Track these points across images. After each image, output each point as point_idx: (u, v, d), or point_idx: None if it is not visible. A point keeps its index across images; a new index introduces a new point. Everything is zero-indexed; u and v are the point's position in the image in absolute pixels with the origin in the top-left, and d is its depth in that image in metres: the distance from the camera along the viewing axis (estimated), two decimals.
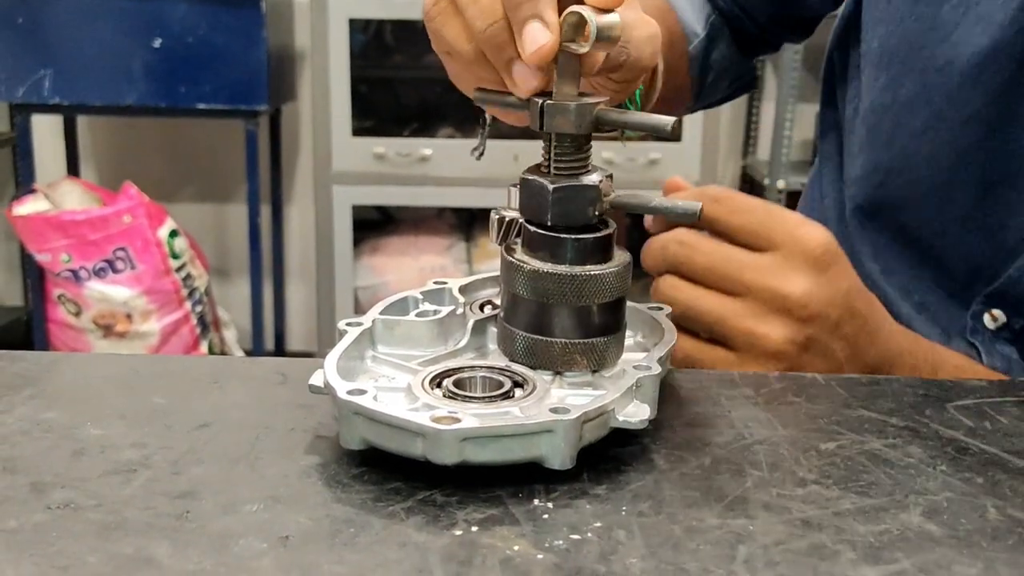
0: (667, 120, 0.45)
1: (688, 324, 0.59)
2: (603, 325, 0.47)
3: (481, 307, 0.54)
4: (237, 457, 0.43)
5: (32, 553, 0.35)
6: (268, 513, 0.38)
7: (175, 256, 2.53)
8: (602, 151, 1.95)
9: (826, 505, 0.40)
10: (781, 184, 2.69)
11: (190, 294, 2.58)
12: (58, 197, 2.50)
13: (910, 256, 0.75)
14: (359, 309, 2.64)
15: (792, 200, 2.56)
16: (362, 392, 0.42)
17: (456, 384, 0.46)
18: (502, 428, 0.40)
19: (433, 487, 0.41)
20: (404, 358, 0.48)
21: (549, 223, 0.46)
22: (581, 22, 0.44)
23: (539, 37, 0.44)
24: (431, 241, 2.78)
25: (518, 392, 0.45)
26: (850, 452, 0.46)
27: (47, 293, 2.54)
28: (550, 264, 0.46)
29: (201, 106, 2.41)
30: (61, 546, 0.36)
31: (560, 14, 0.45)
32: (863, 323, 0.60)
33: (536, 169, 0.48)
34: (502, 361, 0.48)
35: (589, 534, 0.38)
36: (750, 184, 3.02)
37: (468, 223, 2.85)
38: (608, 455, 0.44)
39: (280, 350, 3.02)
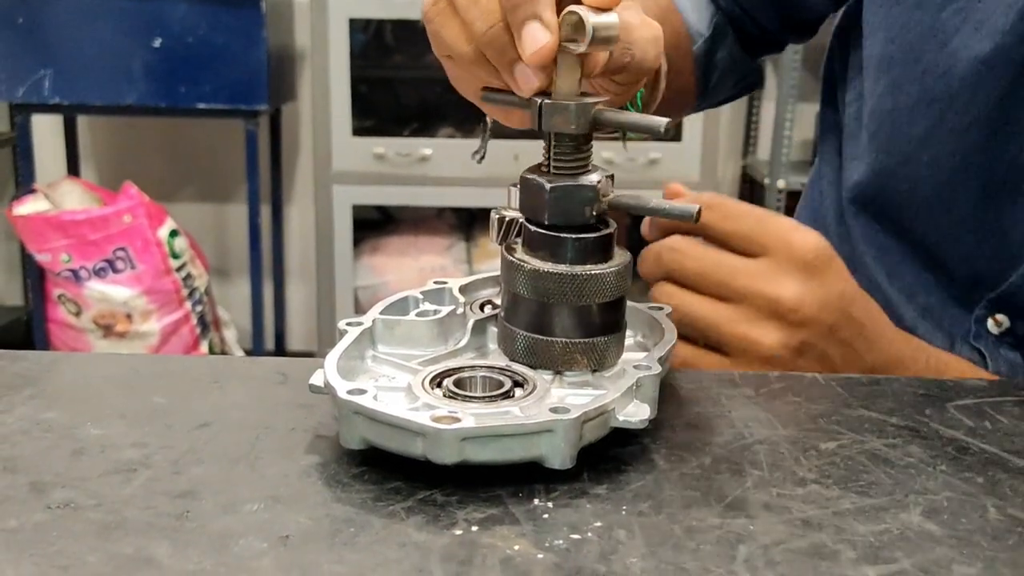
0: (661, 121, 0.45)
1: (683, 330, 0.59)
2: (603, 324, 0.47)
3: (481, 307, 0.54)
4: (237, 457, 0.43)
5: (32, 553, 0.35)
6: (268, 513, 0.38)
7: (175, 256, 2.53)
8: (602, 151, 1.94)
9: (826, 505, 0.40)
10: (781, 184, 2.68)
11: (190, 294, 2.58)
12: (58, 197, 2.50)
13: (913, 259, 0.75)
14: (359, 309, 2.64)
15: (792, 200, 2.57)
16: (362, 392, 0.42)
17: (456, 384, 0.46)
18: (502, 428, 0.40)
19: (433, 487, 0.41)
20: (404, 358, 0.48)
21: (546, 222, 0.46)
22: (580, 22, 0.44)
23: (539, 37, 0.44)
24: (431, 241, 2.78)
25: (518, 392, 0.45)
26: (850, 452, 0.46)
27: (47, 293, 2.54)
28: (550, 264, 0.46)
29: (201, 106, 2.41)
30: (61, 546, 0.36)
31: (560, 14, 0.45)
32: (860, 328, 0.60)
33: (536, 168, 0.48)
34: (502, 361, 0.48)
35: (589, 534, 0.38)
36: (750, 184, 3.02)
37: (468, 223, 2.85)
38: (608, 455, 0.44)
39: (280, 350, 3.02)
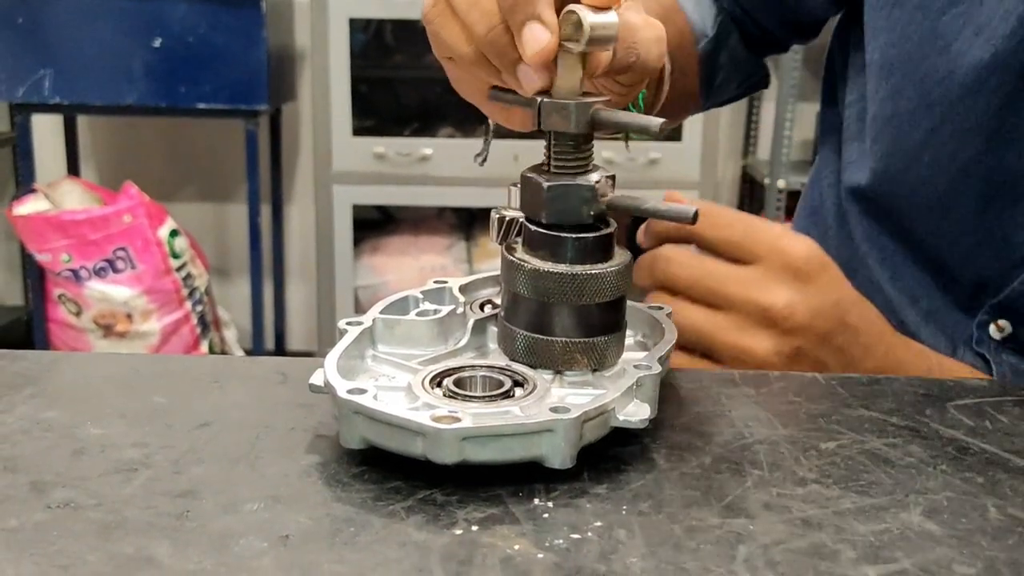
0: (656, 121, 0.45)
1: (677, 339, 0.59)
2: (603, 324, 0.47)
3: (481, 306, 0.54)
4: (237, 456, 0.43)
5: (32, 552, 0.35)
6: (268, 512, 0.38)
7: (175, 256, 2.53)
8: (603, 151, 1.95)
9: (826, 504, 0.40)
10: (781, 184, 2.68)
11: (190, 294, 2.58)
12: (58, 197, 2.50)
13: (916, 263, 0.74)
14: (359, 309, 2.64)
15: (792, 200, 2.57)
16: (362, 391, 0.42)
17: (456, 383, 0.46)
18: (502, 427, 0.40)
19: (433, 486, 0.41)
20: (404, 357, 0.48)
21: (544, 220, 0.47)
22: (580, 21, 0.44)
23: (540, 37, 0.44)
24: (431, 241, 2.78)
25: (518, 391, 0.45)
26: (850, 451, 0.46)
27: (47, 293, 2.54)
28: (551, 263, 0.46)
29: (201, 106, 2.41)
30: (61, 545, 0.36)
31: (560, 13, 0.45)
32: (856, 335, 0.59)
33: (537, 168, 0.48)
34: (502, 360, 0.48)
35: (589, 533, 0.38)
36: (750, 184, 3.02)
37: (468, 223, 2.85)
38: (608, 454, 0.44)
39: (280, 350, 3.02)
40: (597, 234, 0.47)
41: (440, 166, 2.53)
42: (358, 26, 2.61)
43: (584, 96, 0.46)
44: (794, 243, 0.59)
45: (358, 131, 2.54)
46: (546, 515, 0.39)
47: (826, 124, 0.87)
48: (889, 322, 0.65)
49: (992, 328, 0.70)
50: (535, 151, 0.49)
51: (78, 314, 2.51)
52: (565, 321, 0.47)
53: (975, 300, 0.71)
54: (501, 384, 0.46)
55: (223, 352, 2.80)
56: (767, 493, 0.41)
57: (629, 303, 0.51)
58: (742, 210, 0.63)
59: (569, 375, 0.47)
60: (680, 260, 0.60)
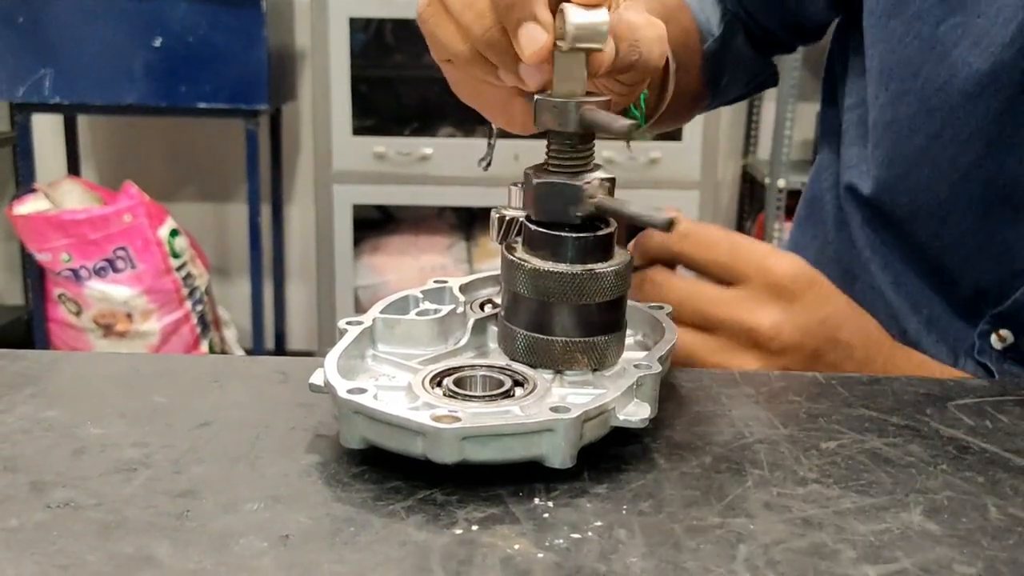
0: (624, 122, 0.44)
1: None
2: (604, 323, 0.47)
3: (481, 306, 0.54)
4: (237, 456, 0.43)
5: (33, 552, 0.35)
6: (268, 512, 0.38)
7: (175, 255, 2.53)
8: (603, 150, 1.95)
9: (826, 504, 0.40)
10: (781, 183, 2.69)
11: (190, 293, 2.58)
12: (58, 196, 2.50)
13: (918, 270, 0.74)
14: (359, 308, 2.64)
15: (792, 199, 2.57)
16: (362, 391, 0.42)
17: (456, 383, 0.46)
18: (502, 427, 0.40)
19: (433, 486, 0.41)
20: (404, 357, 0.48)
21: (532, 218, 0.47)
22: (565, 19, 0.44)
23: (536, 37, 0.45)
24: (431, 240, 2.78)
25: (518, 391, 0.45)
26: (851, 451, 0.45)
27: (47, 292, 2.54)
28: (551, 263, 0.46)
29: (201, 106, 2.41)
30: (62, 545, 0.36)
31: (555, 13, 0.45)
32: (849, 351, 0.59)
33: (539, 166, 0.48)
34: (502, 360, 0.48)
35: (589, 533, 0.38)
36: (750, 184, 3.02)
37: (468, 222, 2.86)
38: (608, 454, 0.44)
39: (280, 349, 3.02)
40: (597, 234, 0.47)
41: (440, 166, 2.53)
42: (358, 26, 2.61)
43: (586, 96, 0.46)
44: (779, 262, 0.58)
45: (358, 131, 2.54)
46: (546, 515, 0.39)
47: (826, 124, 0.87)
48: (891, 331, 0.64)
49: (994, 338, 0.69)
50: (536, 151, 0.49)
51: (78, 314, 2.51)
52: (565, 321, 0.47)
53: (976, 308, 0.71)
54: (501, 384, 0.46)
55: (223, 352, 2.80)
56: (767, 493, 0.41)
57: (629, 303, 0.51)
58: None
59: (569, 375, 0.47)
60: (667, 283, 0.59)
